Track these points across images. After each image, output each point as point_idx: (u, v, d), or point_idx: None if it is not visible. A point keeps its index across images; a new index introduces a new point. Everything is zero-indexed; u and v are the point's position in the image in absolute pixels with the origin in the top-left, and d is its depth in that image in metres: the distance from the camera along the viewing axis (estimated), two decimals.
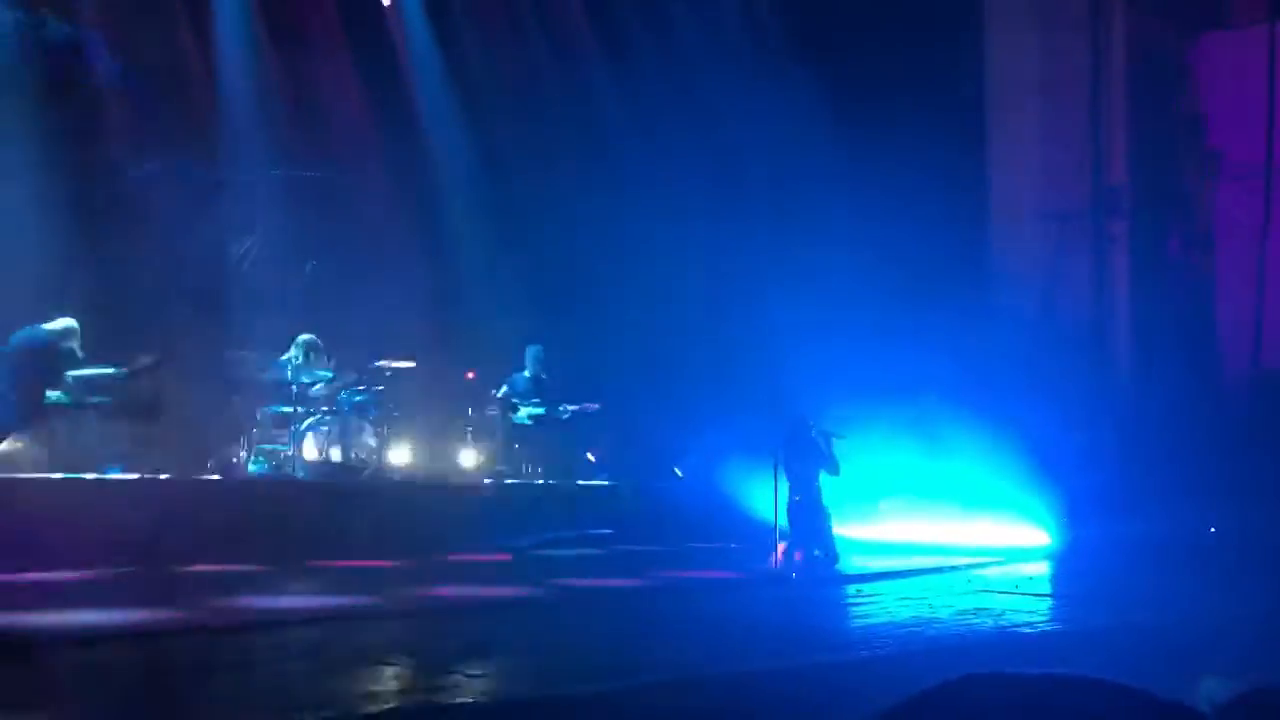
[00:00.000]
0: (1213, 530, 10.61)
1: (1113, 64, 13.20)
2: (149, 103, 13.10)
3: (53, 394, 9.75)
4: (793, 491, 10.13)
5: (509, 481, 12.01)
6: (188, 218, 13.00)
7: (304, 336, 11.38)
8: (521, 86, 14.52)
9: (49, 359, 9.75)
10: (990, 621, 7.50)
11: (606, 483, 12.39)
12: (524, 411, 12.67)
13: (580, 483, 12.34)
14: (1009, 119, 13.42)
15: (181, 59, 13.51)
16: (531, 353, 12.79)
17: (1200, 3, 13.73)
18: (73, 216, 11.31)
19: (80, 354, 10.05)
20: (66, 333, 9.94)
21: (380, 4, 14.81)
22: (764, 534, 10.35)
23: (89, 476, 9.19)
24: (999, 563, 11.05)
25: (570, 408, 12.74)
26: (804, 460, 10.23)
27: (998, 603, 8.40)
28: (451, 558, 10.03)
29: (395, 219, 13.98)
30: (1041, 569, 10.90)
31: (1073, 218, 13.17)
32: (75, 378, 9.98)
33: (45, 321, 9.98)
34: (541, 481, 12.03)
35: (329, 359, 11.47)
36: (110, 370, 10.21)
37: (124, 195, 12.41)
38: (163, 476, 9.61)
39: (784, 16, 13.52)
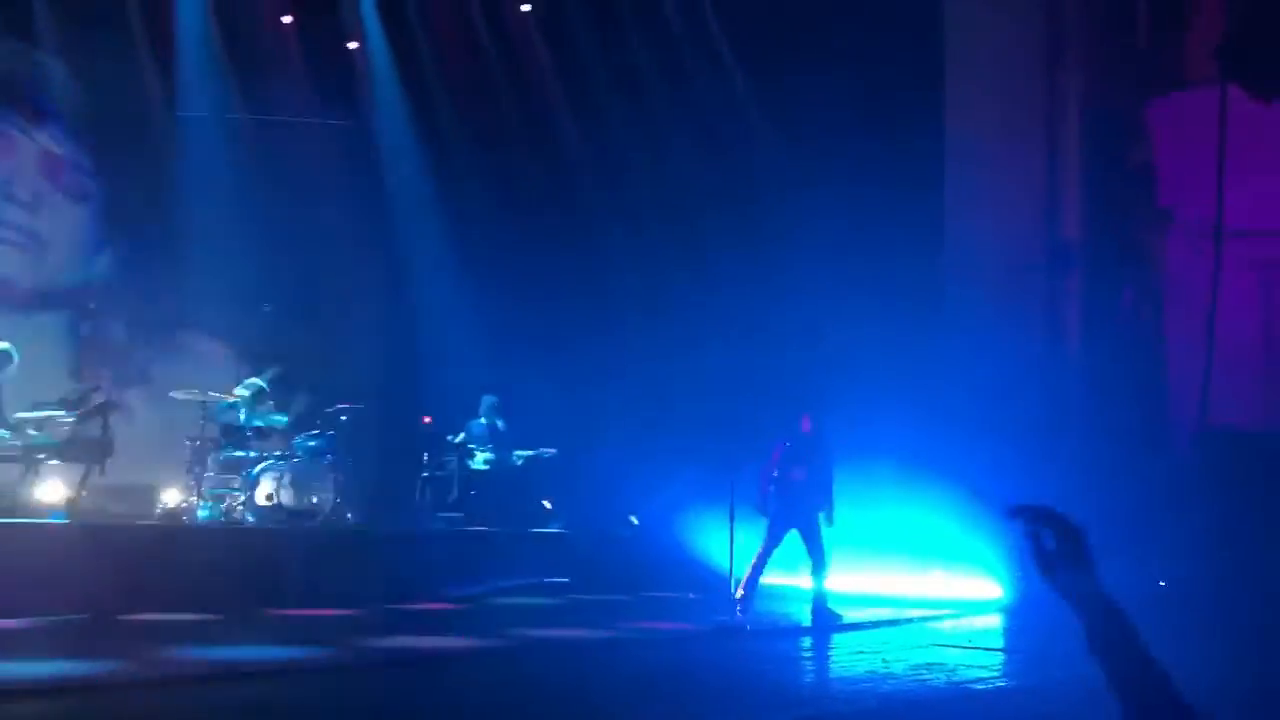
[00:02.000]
0: (1161, 584, 10.68)
1: (1067, 120, 13.41)
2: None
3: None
4: None
5: (465, 528, 11.90)
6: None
7: (253, 379, 11.28)
8: (485, 132, 14.60)
9: None
10: (944, 677, 7.50)
11: (563, 531, 12.32)
12: (480, 457, 12.62)
13: (536, 530, 12.27)
14: (966, 174, 13.58)
15: (144, 100, 13.51)
16: (487, 402, 12.79)
17: (1153, 63, 13.99)
18: None
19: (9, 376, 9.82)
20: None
21: (346, 47, 14.87)
22: (720, 584, 10.32)
23: (33, 521, 9.01)
24: (952, 615, 11.07)
25: (525, 454, 12.71)
26: None
27: (951, 657, 8.41)
28: (406, 606, 9.92)
29: (354, 263, 13.95)
30: (994, 622, 10.93)
31: (1027, 271, 13.32)
32: (23, 419, 9.80)
33: None
34: (497, 529, 11.94)
35: (277, 401, 11.37)
36: (58, 411, 10.04)
37: None
38: (109, 522, 9.43)
39: (745, 72, 13.66)
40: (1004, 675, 8.05)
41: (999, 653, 9.13)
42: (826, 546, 10.14)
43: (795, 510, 10.08)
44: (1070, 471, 11.69)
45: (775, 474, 10.08)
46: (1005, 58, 13.44)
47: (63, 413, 9.99)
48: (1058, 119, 13.34)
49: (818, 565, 10.07)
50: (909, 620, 10.68)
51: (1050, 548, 2.30)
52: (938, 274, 13.37)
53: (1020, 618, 10.96)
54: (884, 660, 8.18)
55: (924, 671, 7.69)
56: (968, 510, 11.27)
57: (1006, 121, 13.36)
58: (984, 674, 7.79)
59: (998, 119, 13.36)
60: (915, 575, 11.88)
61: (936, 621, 10.71)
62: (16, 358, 9.84)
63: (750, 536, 10.21)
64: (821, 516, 10.10)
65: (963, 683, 7.33)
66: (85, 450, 9.86)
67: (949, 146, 13.54)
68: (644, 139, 13.84)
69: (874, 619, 10.59)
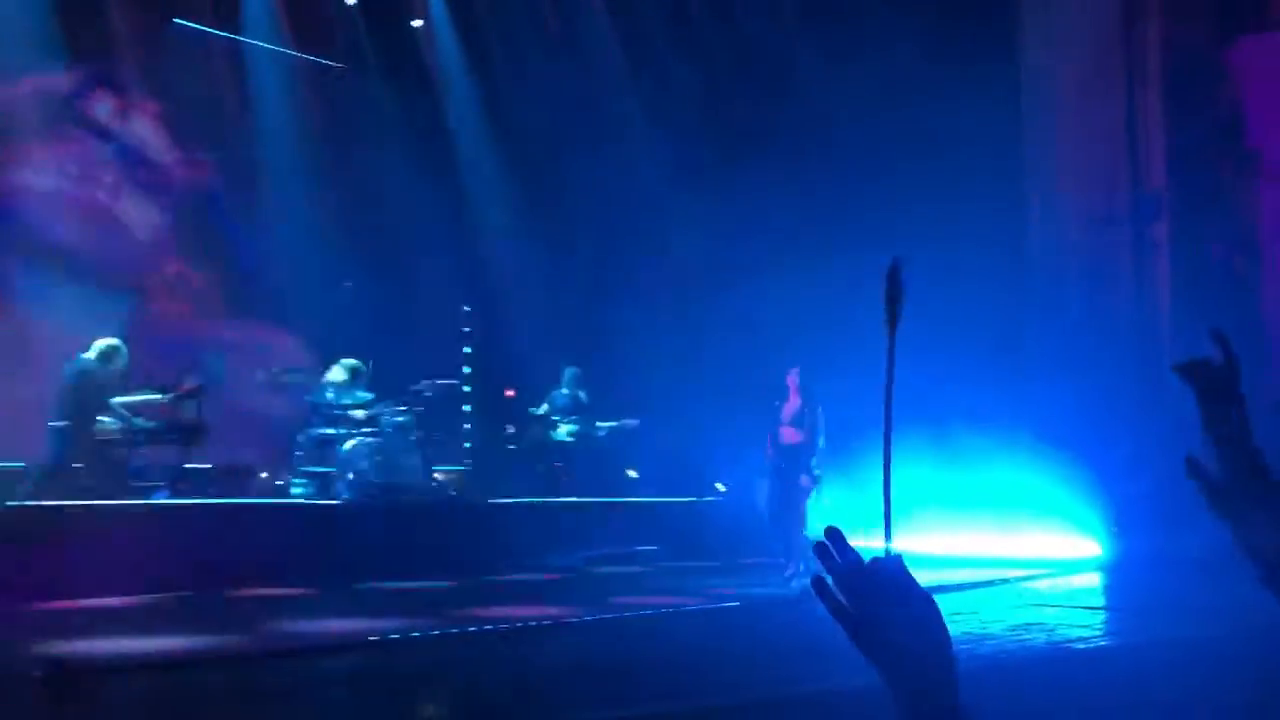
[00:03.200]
0: None
1: (1148, 67, 13.08)
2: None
3: (105, 420, 9.83)
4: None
5: (552, 500, 11.98)
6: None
7: (345, 360, 11.43)
8: (556, 103, 14.57)
9: (96, 387, 9.84)
10: (1043, 636, 7.40)
11: (650, 499, 12.34)
12: (564, 429, 12.68)
13: (623, 499, 12.31)
14: (1044, 124, 13.32)
15: (215, 86, 13.66)
16: (569, 374, 12.82)
17: (1235, 5, 13.57)
18: None
19: (124, 368, 10.10)
20: (110, 354, 9.99)
21: (411, 27, 14.91)
22: (808, 548, 10.26)
23: (137, 502, 9.25)
24: (1049, 575, 10.90)
25: (608, 425, 12.73)
26: None
27: (1050, 617, 8.29)
28: (497, 577, 10.04)
29: (433, 239, 14.04)
30: (1093, 581, 10.75)
31: (1113, 222, 13.04)
32: (123, 404, 10.06)
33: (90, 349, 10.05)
34: (585, 499, 12.00)
35: (367, 381, 11.52)
36: (155, 395, 10.28)
37: None
38: (208, 501, 9.65)
39: (818, 24, 13.40)
40: (1106, 634, 7.90)
41: (1100, 611, 8.98)
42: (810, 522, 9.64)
43: (785, 477, 9.72)
44: (1167, 424, 11.44)
45: (769, 439, 9.74)
46: (1082, 4, 13.12)
47: (158, 396, 10.23)
48: (1137, 65, 13.01)
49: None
50: (1004, 581, 10.52)
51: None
52: (1019, 228, 13.14)
53: (1119, 576, 10.77)
54: (981, 621, 8.08)
55: (1023, 632, 7.58)
56: (1060, 468, 11.08)
57: (1086, 71, 13.06)
58: (1085, 633, 7.67)
59: (1077, 69, 13.07)
60: (1008, 535, 11.71)
61: (1033, 581, 10.54)
62: (125, 352, 10.12)
63: (840, 500, 10.13)
64: (812, 489, 9.63)
65: (1063, 642, 7.22)
66: (181, 432, 10.09)
67: (1025, 96, 13.27)
68: (725, 106, 13.71)
69: (968, 580, 10.46)
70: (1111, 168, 13.06)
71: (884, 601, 1.56)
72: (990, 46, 12.85)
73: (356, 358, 11.48)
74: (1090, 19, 13.10)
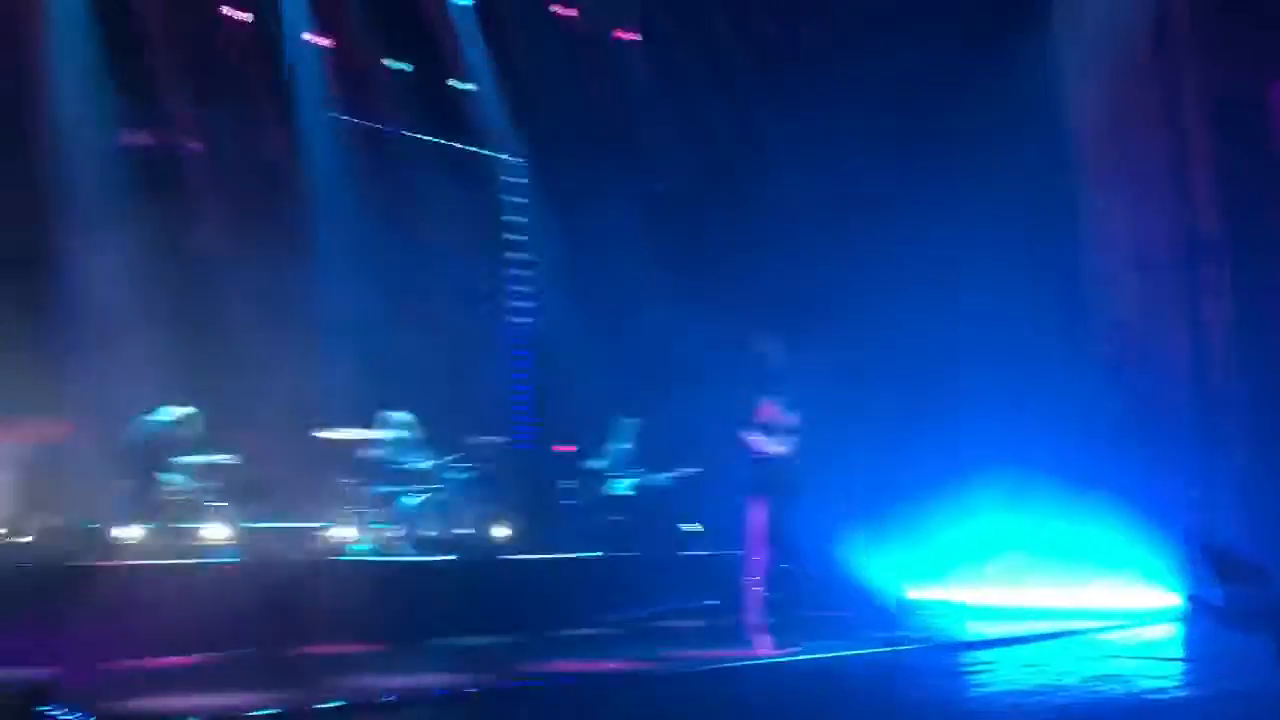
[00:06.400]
0: None
1: (1197, 109, 12.98)
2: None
3: (173, 479, 9.99)
4: None
5: (613, 554, 11.93)
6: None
7: (399, 415, 11.52)
8: (602, 158, 14.74)
9: (162, 448, 10.01)
10: (1120, 688, 7.25)
11: (712, 553, 12.24)
12: (624, 483, 12.67)
13: (685, 553, 12.23)
14: (1094, 170, 13.25)
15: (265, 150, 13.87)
16: (627, 425, 12.83)
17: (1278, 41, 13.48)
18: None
19: (196, 436, 10.28)
20: (185, 420, 10.19)
21: (456, 88, 15.17)
22: (873, 601, 10.13)
23: (204, 561, 9.35)
24: (1125, 626, 10.68)
25: (669, 475, 12.69)
26: None
27: (1126, 668, 8.13)
28: (561, 632, 10.03)
29: (491, 296, 14.18)
30: (1170, 631, 10.51)
31: (1168, 269, 12.89)
32: (190, 463, 10.22)
33: (158, 411, 10.23)
34: (645, 553, 11.93)
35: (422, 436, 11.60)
36: (222, 456, 10.44)
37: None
38: (271, 559, 9.71)
39: (858, 102, 13.40)
40: (1186, 685, 7.71)
41: (1178, 662, 8.75)
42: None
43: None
44: (1237, 472, 11.22)
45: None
46: (1120, 50, 13.06)
47: (225, 457, 10.39)
48: (1182, 108, 12.92)
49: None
50: (1078, 632, 10.33)
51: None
52: (1077, 281, 13.04)
53: (1197, 626, 10.50)
54: (1055, 673, 7.94)
55: (1099, 683, 7.44)
56: (1133, 518, 10.91)
57: (1130, 115, 12.99)
58: (1164, 684, 7.50)
59: (1120, 114, 12.99)
60: (1083, 587, 11.50)
61: (1108, 633, 10.35)
62: (200, 420, 10.31)
63: (902, 552, 10.03)
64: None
65: (1142, 693, 7.07)
66: (245, 491, 10.22)
67: (1077, 146, 13.20)
68: (764, 146, 13.76)
69: (1042, 631, 10.27)
70: (1163, 214, 12.95)
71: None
72: (1034, 99, 12.79)
73: (415, 414, 11.57)
74: (1129, 63, 13.04)
